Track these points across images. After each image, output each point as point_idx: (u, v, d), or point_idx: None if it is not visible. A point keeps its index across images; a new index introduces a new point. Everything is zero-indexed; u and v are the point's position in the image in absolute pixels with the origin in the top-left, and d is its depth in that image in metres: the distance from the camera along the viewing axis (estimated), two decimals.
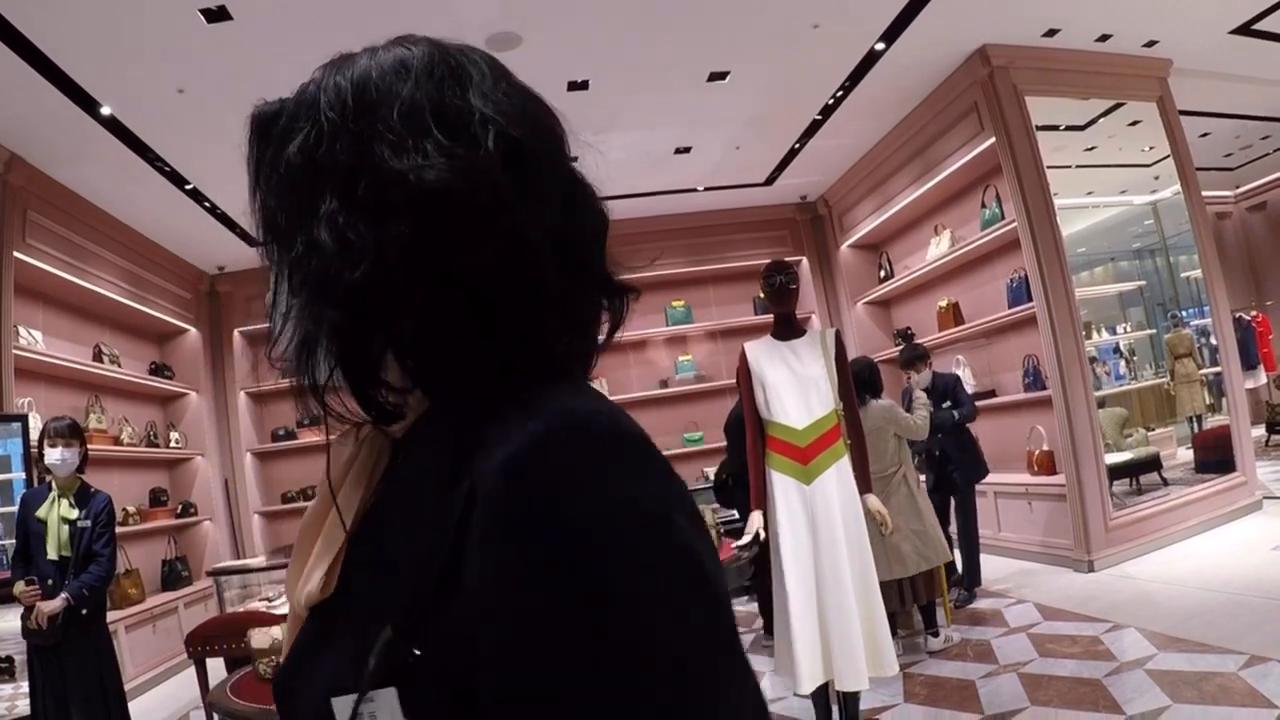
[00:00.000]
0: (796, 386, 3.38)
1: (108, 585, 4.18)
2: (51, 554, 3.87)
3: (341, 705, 0.52)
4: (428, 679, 0.50)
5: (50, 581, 3.85)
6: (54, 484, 4.00)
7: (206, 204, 6.39)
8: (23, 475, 4.72)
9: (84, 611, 3.88)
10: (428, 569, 0.51)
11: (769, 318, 3.64)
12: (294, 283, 0.63)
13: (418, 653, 0.50)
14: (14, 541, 4.06)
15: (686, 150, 6.97)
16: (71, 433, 4.01)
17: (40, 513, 3.92)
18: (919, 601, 4.61)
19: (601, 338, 0.69)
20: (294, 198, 0.63)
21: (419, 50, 0.64)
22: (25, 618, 3.86)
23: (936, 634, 4.61)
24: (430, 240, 0.57)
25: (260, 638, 2.99)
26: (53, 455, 3.94)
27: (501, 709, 0.47)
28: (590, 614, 0.45)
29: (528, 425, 0.51)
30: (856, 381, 4.70)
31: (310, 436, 7.94)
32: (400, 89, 0.61)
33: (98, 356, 6.44)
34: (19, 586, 3.84)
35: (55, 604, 3.80)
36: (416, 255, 0.57)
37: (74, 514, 3.97)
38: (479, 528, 0.49)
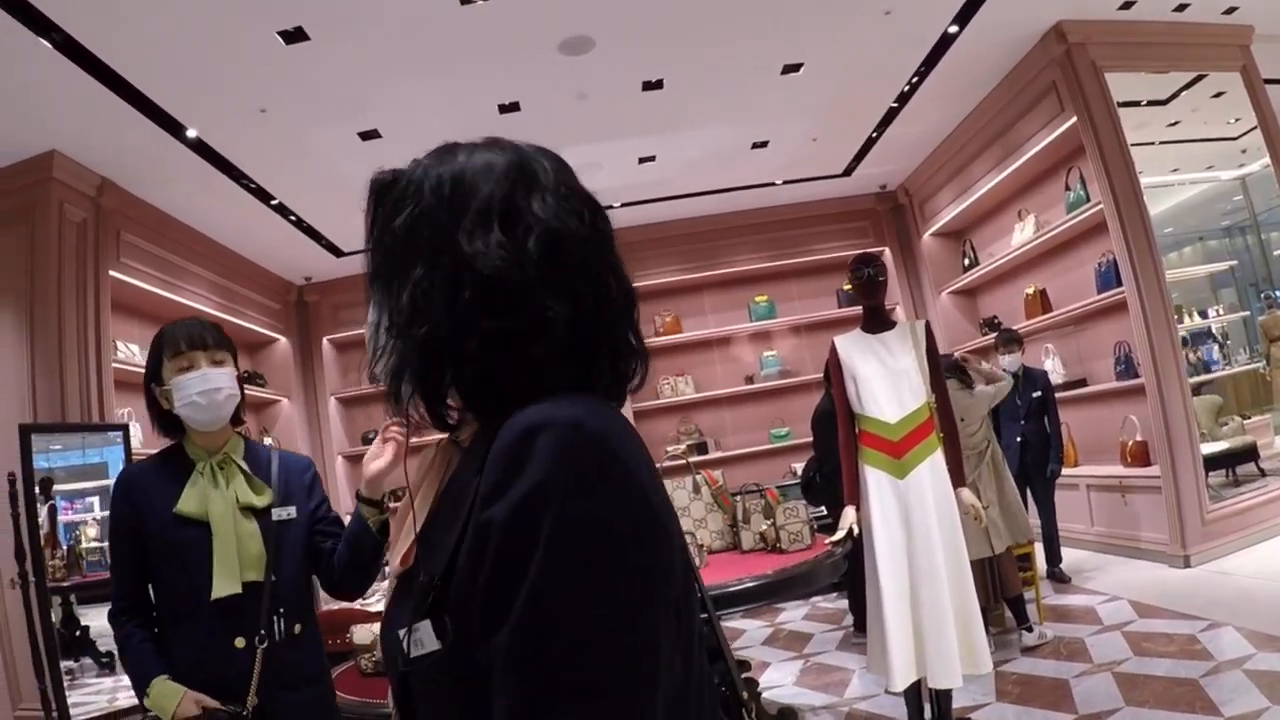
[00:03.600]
0: (888, 379, 3.36)
1: None
2: (227, 585, 1.91)
3: (402, 635, 0.74)
4: (449, 610, 0.72)
5: (239, 642, 1.93)
6: (190, 450, 2.05)
7: (292, 218, 6.60)
8: None
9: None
10: (455, 541, 0.73)
11: (852, 310, 3.62)
12: (389, 323, 0.83)
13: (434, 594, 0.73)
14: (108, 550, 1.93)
15: (763, 144, 6.93)
16: (220, 341, 2.08)
17: (188, 506, 1.95)
18: (1005, 595, 4.56)
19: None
20: (395, 259, 0.83)
21: (504, 157, 0.84)
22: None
23: (1031, 629, 4.53)
24: (481, 307, 0.77)
25: (362, 633, 3.03)
26: (188, 386, 1.98)
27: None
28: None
29: (524, 420, 0.71)
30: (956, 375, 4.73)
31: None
32: (482, 188, 0.81)
33: None
34: (171, 698, 1.85)
35: None
36: (470, 317, 0.78)
37: (264, 498, 2.05)
38: (495, 484, 0.68)
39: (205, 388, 1.98)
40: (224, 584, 1.91)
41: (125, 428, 5.02)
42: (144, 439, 5.53)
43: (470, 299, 0.78)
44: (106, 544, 3.52)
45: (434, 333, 0.79)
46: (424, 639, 0.72)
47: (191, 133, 5.03)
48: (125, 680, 2.96)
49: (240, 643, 1.92)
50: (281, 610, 1.99)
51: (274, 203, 6.26)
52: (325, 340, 8.43)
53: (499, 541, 0.66)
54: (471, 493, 0.72)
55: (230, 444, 2.10)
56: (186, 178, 5.58)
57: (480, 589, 0.67)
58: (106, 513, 4.24)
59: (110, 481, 4.62)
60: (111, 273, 5.46)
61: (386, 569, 1.00)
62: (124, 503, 1.99)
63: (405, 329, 0.80)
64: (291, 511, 2.07)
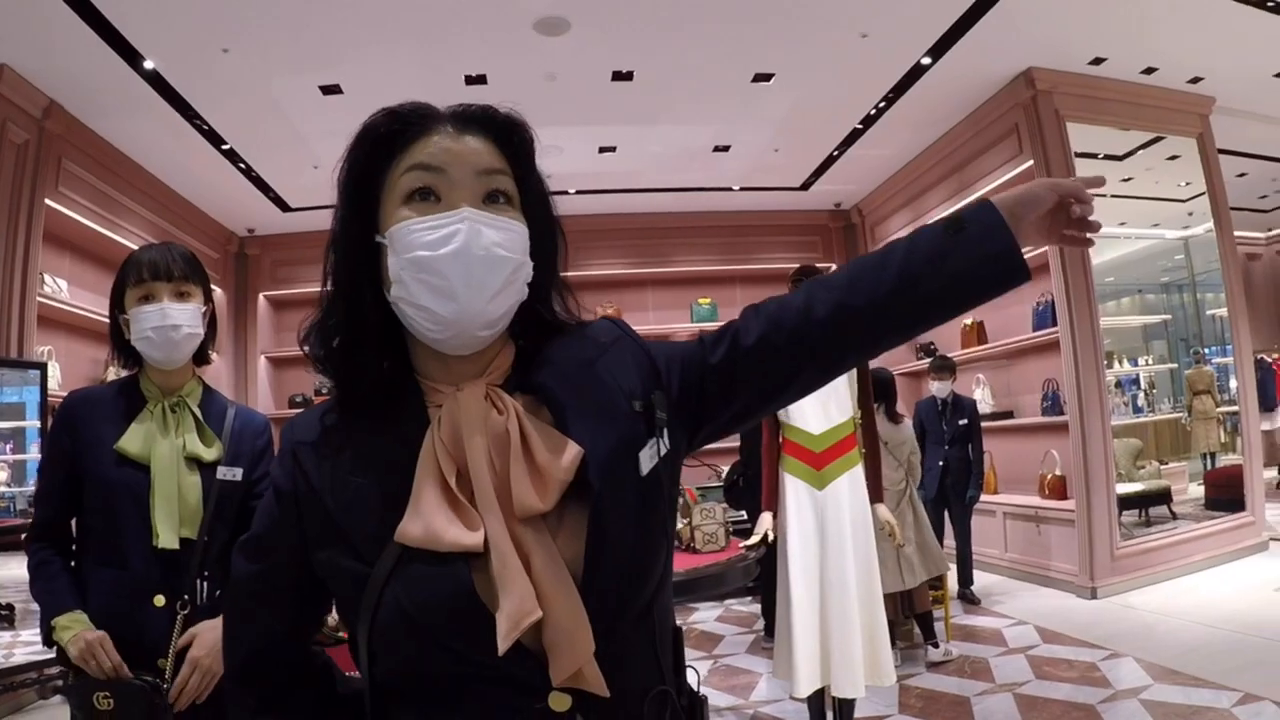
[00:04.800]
0: (816, 392, 3.38)
1: None
2: (166, 538, 1.77)
3: (645, 454, 0.89)
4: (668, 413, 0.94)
5: (159, 600, 1.76)
6: (145, 385, 1.90)
7: (241, 165, 6.42)
8: (37, 423, 4.55)
9: None
10: (638, 371, 0.95)
11: None
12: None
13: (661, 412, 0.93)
14: (31, 486, 2.15)
15: (725, 149, 6.95)
16: (187, 273, 1.90)
17: (131, 445, 1.80)
18: (914, 611, 4.68)
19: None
20: None
21: None
22: (75, 679, 1.71)
23: (936, 645, 4.65)
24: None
25: None
26: (144, 319, 1.83)
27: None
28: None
29: (598, 320, 1.01)
30: (882, 392, 4.82)
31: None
32: None
33: None
34: (71, 630, 1.70)
35: (209, 638, 1.72)
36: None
37: (212, 452, 1.90)
38: (636, 339, 1.00)
39: (161, 323, 1.82)
40: (166, 535, 1.77)
41: (44, 366, 4.78)
42: (61, 380, 5.34)
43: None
44: (17, 489, 3.33)
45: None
46: (667, 441, 0.92)
47: (149, 64, 4.85)
48: (24, 635, 3.05)
49: (160, 601, 1.77)
50: (207, 574, 1.83)
51: (225, 148, 6.08)
52: (261, 296, 8.18)
53: (670, 353, 0.99)
54: (622, 364, 0.95)
55: (188, 387, 1.95)
56: (138, 111, 5.38)
57: (677, 375, 0.97)
58: (19, 456, 4.00)
59: (27, 423, 4.43)
60: (48, 201, 5.23)
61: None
62: (63, 430, 1.84)
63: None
64: (238, 473, 1.91)
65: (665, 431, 0.92)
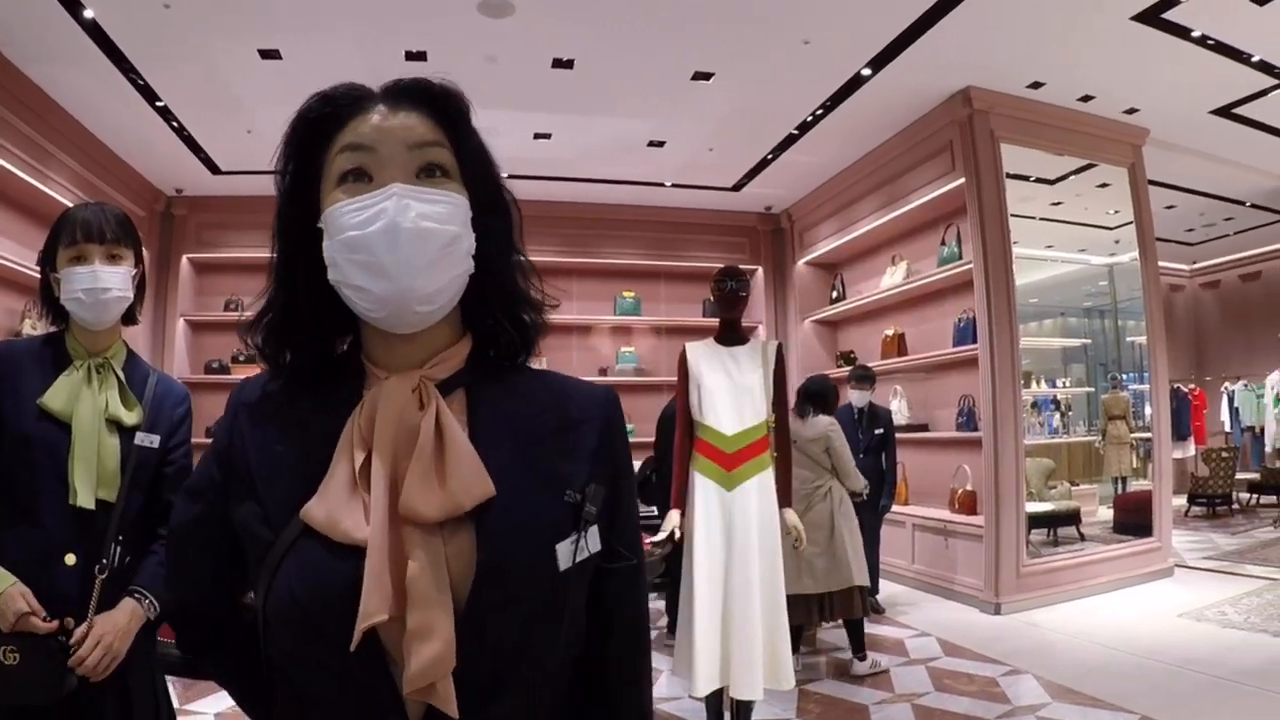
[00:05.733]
0: (731, 393, 3.41)
1: None
2: (83, 497, 1.76)
3: (564, 548, 0.84)
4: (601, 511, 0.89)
5: (73, 561, 1.75)
6: (70, 344, 1.90)
7: (175, 124, 6.24)
8: None
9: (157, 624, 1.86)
10: (590, 459, 0.92)
11: (715, 322, 3.65)
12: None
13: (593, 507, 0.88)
14: None
15: (660, 144, 6.93)
16: (120, 235, 1.91)
17: (55, 402, 1.79)
18: (830, 618, 4.60)
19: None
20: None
21: None
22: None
23: (864, 657, 4.56)
24: None
25: None
26: (75, 280, 1.84)
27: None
28: None
29: (594, 388, 1.00)
30: (813, 397, 4.77)
31: (244, 372, 7.85)
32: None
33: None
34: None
35: (119, 619, 1.75)
36: None
37: (132, 417, 1.90)
38: (614, 428, 0.97)
39: (92, 285, 1.84)
40: (83, 495, 1.76)
41: None
42: None
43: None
44: None
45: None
46: (590, 541, 0.87)
47: (89, 13, 4.67)
48: None
49: (71, 560, 1.75)
50: (121, 538, 1.82)
51: (159, 105, 5.90)
52: (185, 258, 7.94)
53: (622, 447, 0.98)
54: (576, 429, 0.94)
55: (113, 349, 1.94)
56: (74, 60, 5.19)
57: (607, 475, 0.92)
58: None
59: None
60: None
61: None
62: None
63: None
64: (155, 441, 1.91)
65: (592, 531, 0.87)
